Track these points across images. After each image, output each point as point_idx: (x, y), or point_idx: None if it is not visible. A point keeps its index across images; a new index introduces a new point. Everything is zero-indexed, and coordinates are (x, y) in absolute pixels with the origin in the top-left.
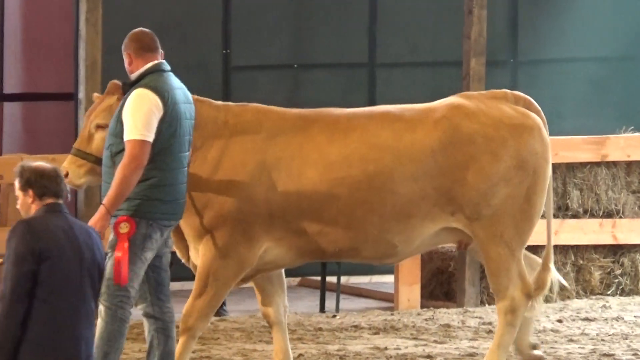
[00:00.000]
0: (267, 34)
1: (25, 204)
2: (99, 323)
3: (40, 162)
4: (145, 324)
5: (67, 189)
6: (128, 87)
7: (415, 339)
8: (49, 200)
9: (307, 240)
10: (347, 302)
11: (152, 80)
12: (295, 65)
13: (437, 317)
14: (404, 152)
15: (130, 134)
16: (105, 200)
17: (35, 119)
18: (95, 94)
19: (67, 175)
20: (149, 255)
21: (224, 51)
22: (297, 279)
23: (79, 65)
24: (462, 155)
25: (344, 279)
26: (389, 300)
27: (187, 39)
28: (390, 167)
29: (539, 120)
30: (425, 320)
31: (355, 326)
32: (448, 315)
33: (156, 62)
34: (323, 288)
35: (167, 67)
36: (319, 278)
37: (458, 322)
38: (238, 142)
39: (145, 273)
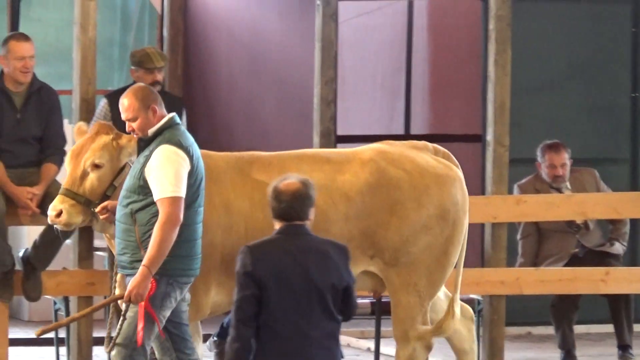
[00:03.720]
0: None
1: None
2: None
3: (288, 181)
4: None
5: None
6: (144, 142)
7: None
8: (285, 222)
9: None
10: None
11: (173, 135)
12: None
13: None
14: (336, 193)
15: (163, 192)
16: (145, 261)
17: None
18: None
19: (60, 214)
20: (167, 314)
21: (633, 94)
22: None
23: (487, 107)
24: (389, 199)
25: None
26: None
27: (594, 81)
28: (324, 207)
29: (460, 173)
30: None
31: None
32: None
33: (171, 115)
34: None
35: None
36: None
37: None
38: None
39: (166, 330)
